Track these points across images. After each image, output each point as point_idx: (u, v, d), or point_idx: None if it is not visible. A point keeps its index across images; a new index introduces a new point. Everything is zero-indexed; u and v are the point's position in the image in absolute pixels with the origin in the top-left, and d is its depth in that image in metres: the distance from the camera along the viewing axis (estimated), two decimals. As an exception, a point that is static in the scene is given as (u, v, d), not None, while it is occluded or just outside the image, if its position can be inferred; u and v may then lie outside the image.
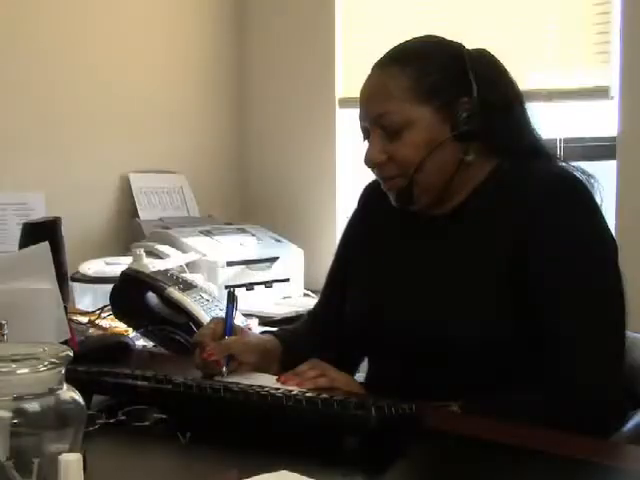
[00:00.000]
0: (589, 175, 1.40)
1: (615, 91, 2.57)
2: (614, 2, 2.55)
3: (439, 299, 1.38)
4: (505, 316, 1.32)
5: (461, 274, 1.38)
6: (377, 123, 1.40)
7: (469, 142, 1.40)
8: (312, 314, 1.66)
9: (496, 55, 1.47)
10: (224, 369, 1.38)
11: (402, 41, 1.46)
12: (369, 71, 1.45)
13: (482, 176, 1.43)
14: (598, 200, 1.36)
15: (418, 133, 1.38)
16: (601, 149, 2.65)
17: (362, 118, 1.44)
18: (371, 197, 1.59)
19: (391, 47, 1.46)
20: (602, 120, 2.67)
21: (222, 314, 1.73)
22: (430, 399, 1.26)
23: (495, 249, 1.35)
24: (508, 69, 1.46)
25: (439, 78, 1.39)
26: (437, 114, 1.38)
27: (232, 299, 1.46)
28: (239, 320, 2.00)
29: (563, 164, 1.43)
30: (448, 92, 1.39)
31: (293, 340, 1.57)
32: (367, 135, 1.43)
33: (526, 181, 1.37)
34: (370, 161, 1.42)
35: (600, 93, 2.61)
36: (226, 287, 2.75)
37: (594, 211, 1.35)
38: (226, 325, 1.44)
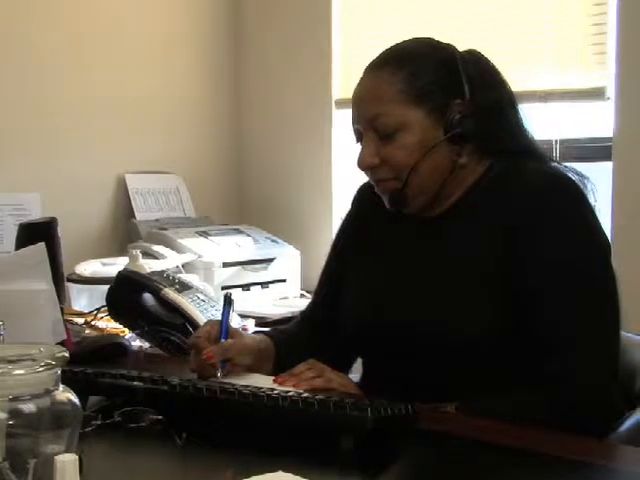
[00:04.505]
0: (582, 176, 1.40)
1: (611, 92, 2.57)
2: (610, 3, 2.56)
3: (437, 299, 1.38)
4: (502, 316, 1.32)
5: (456, 274, 1.38)
6: (370, 125, 1.40)
7: (462, 144, 1.40)
8: (305, 315, 1.66)
9: (490, 56, 1.47)
10: (219, 372, 1.38)
11: (394, 43, 1.46)
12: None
13: (475, 177, 1.43)
14: (592, 201, 1.37)
15: (411, 135, 1.38)
16: (597, 150, 2.65)
17: (355, 120, 1.44)
18: (365, 198, 1.59)
19: (384, 49, 1.46)
20: (598, 121, 2.68)
21: (218, 315, 1.73)
22: (429, 399, 1.27)
23: (489, 249, 1.36)
24: (501, 70, 1.46)
25: (431, 80, 1.39)
26: (430, 116, 1.38)
27: (228, 302, 1.46)
28: (235, 321, 2.00)
29: (556, 165, 1.44)
30: (440, 94, 1.39)
31: (287, 341, 1.57)
32: (360, 137, 1.43)
33: (519, 182, 1.38)
34: (363, 164, 1.42)
35: (596, 94, 2.61)
36: (223, 288, 2.76)
37: (587, 211, 1.35)
38: (222, 328, 1.44)
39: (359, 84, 1.44)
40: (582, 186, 1.37)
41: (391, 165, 1.40)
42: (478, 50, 1.47)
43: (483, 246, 1.37)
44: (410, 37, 1.47)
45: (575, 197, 1.35)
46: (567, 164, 1.44)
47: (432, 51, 1.43)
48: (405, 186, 1.39)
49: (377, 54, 1.45)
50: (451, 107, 1.38)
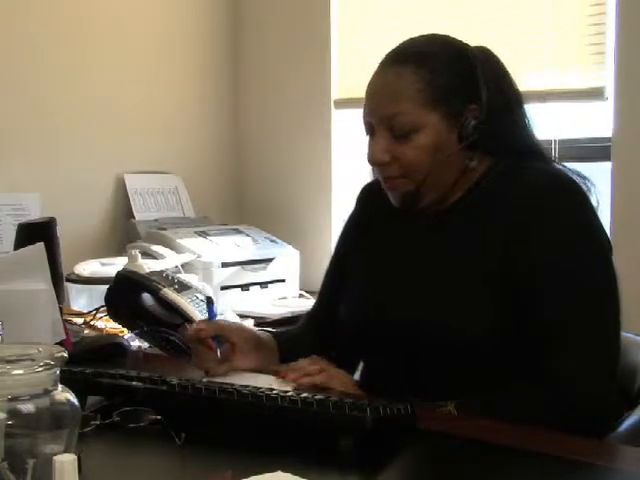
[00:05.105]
0: (585, 178, 1.40)
1: (610, 92, 2.57)
2: (609, 3, 2.56)
3: (439, 298, 1.38)
4: (503, 315, 1.32)
5: (458, 273, 1.38)
6: (385, 123, 1.38)
7: (475, 150, 1.40)
8: (311, 315, 1.66)
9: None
10: (218, 352, 1.39)
11: (412, 37, 1.44)
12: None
13: (478, 175, 1.43)
14: (594, 202, 1.36)
15: (425, 137, 1.37)
16: (596, 150, 2.65)
17: (368, 113, 1.42)
18: (369, 197, 1.59)
19: (402, 42, 1.44)
20: (597, 121, 2.68)
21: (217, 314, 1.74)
22: (430, 398, 1.27)
23: (490, 248, 1.36)
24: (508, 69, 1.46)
25: (450, 83, 1.38)
26: (445, 120, 1.37)
27: (210, 301, 1.49)
28: (235, 320, 2.00)
29: (559, 166, 1.44)
30: (457, 98, 1.38)
31: (291, 340, 1.57)
32: (371, 131, 1.42)
33: (521, 181, 1.38)
34: (374, 160, 1.41)
35: (595, 94, 2.61)
36: (222, 288, 2.76)
37: (588, 211, 1.35)
38: (209, 315, 1.47)
39: (377, 78, 1.42)
40: (585, 188, 1.37)
41: (401, 164, 1.39)
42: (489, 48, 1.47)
43: (484, 245, 1.37)
44: (409, 37, 1.45)
45: (577, 197, 1.35)
46: (570, 166, 1.44)
47: (452, 51, 1.41)
48: (418, 188, 1.39)
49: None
50: (466, 112, 1.38)
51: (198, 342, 1.46)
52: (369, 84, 1.43)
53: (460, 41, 1.45)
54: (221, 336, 1.44)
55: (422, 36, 1.45)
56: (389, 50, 1.44)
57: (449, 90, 1.38)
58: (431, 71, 1.37)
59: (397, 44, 1.45)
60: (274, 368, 1.41)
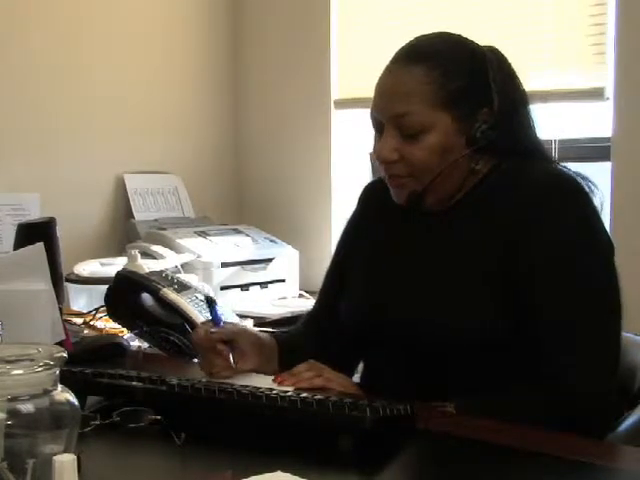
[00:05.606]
0: (588, 179, 1.40)
1: (610, 92, 2.57)
2: (609, 4, 2.56)
3: (439, 298, 1.38)
4: (503, 315, 1.32)
5: (458, 273, 1.38)
6: (395, 122, 1.38)
7: (482, 153, 1.40)
8: (311, 316, 1.66)
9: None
10: (231, 359, 1.39)
11: (424, 35, 1.43)
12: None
13: (482, 174, 1.43)
14: (597, 203, 1.36)
15: (434, 138, 1.37)
16: (596, 150, 2.65)
17: (377, 110, 1.41)
18: (372, 196, 1.59)
19: (414, 39, 1.43)
20: (597, 121, 2.68)
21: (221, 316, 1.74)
22: (430, 398, 1.27)
23: (490, 248, 1.36)
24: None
25: (463, 86, 1.37)
26: (455, 122, 1.37)
27: (211, 302, 1.47)
28: (234, 321, 2.00)
29: (561, 166, 1.44)
30: (469, 102, 1.37)
31: (292, 341, 1.57)
32: (379, 128, 1.42)
33: (523, 181, 1.38)
34: (381, 158, 1.40)
35: (595, 94, 2.61)
36: (222, 288, 2.76)
37: (589, 211, 1.35)
38: (214, 320, 1.46)
39: (388, 75, 1.40)
40: (587, 189, 1.37)
41: (408, 163, 1.39)
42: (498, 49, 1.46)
43: (485, 244, 1.36)
44: (410, 38, 1.45)
45: (578, 197, 1.35)
46: (572, 167, 1.43)
47: (466, 53, 1.40)
48: (424, 188, 1.39)
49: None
50: (477, 116, 1.38)
51: (208, 349, 1.43)
52: (379, 81, 1.41)
53: (472, 41, 1.44)
54: (231, 341, 1.43)
55: (435, 34, 1.44)
56: (397, 48, 1.43)
57: (461, 93, 1.37)
58: (443, 73, 1.36)
59: (406, 41, 1.43)
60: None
